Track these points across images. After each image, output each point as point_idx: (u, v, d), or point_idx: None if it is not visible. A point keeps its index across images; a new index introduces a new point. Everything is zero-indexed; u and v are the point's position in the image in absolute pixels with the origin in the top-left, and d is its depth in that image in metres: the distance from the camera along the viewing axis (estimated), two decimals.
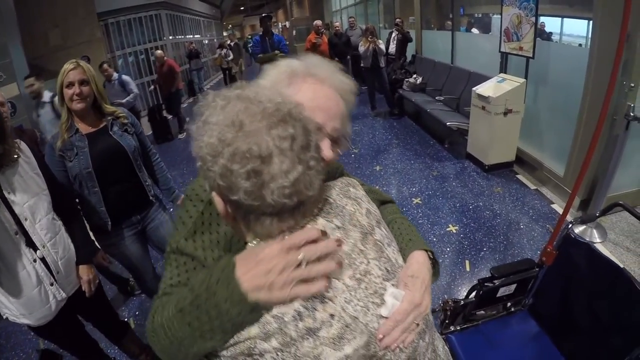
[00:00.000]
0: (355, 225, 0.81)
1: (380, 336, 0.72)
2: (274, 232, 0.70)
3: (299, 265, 0.65)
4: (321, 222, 0.76)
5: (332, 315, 0.68)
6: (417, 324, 0.78)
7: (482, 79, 5.37)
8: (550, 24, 4.69)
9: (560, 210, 4.03)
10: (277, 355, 0.65)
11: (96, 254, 2.16)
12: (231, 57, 12.50)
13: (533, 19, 4.33)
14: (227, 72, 12.93)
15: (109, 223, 2.26)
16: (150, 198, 2.42)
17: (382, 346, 0.72)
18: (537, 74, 4.79)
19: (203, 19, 16.82)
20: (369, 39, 7.39)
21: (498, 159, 5.06)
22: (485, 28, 7.64)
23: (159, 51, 8.44)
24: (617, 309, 1.60)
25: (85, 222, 2.18)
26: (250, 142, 0.60)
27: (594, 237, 3.43)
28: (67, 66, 2.05)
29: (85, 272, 1.99)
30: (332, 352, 0.67)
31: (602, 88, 3.51)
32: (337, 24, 9.11)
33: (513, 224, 3.93)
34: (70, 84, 2.04)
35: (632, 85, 3.07)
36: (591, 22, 3.71)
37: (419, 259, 0.90)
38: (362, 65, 7.83)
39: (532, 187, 4.70)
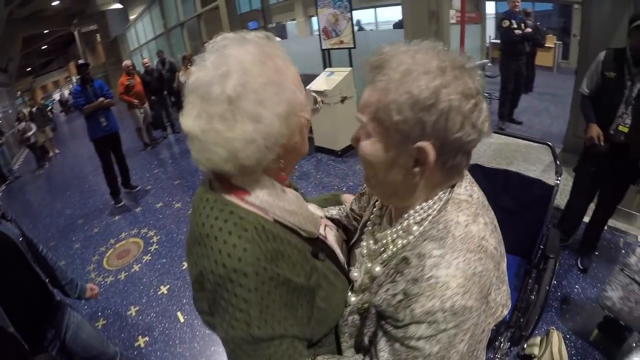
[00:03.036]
0: None
1: None
2: (463, 167, 0.77)
3: None
4: None
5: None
6: None
7: (310, 78, 5.79)
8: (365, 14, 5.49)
9: None
10: None
11: None
12: (33, 130, 10.79)
13: (349, 14, 4.99)
14: (35, 146, 11.03)
15: (26, 348, 1.56)
16: (58, 299, 1.87)
17: None
18: (361, 60, 5.43)
19: None
20: (188, 67, 7.24)
21: (347, 142, 5.60)
22: (282, 35, 8.40)
23: None
24: (516, 197, 2.12)
25: None
26: (461, 84, 0.68)
27: None
28: None
29: None
30: None
31: None
32: (145, 60, 8.58)
33: None
34: None
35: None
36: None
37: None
38: None
39: None
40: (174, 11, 11.65)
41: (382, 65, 0.72)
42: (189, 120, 0.73)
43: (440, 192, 0.78)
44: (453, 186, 0.78)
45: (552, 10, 12.28)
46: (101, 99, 5.09)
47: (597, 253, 2.98)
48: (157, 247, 4.27)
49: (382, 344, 0.74)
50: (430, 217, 0.77)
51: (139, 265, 4.00)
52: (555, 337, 2.13)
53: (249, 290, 0.71)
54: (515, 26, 5.46)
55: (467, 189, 0.78)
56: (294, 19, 13.62)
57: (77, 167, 9.47)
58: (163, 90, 8.58)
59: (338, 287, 0.89)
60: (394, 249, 0.81)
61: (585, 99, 2.68)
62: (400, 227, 0.81)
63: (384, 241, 0.84)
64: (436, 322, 0.65)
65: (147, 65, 8.38)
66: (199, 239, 0.76)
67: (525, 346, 2.08)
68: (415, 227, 0.78)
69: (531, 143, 4.50)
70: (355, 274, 0.91)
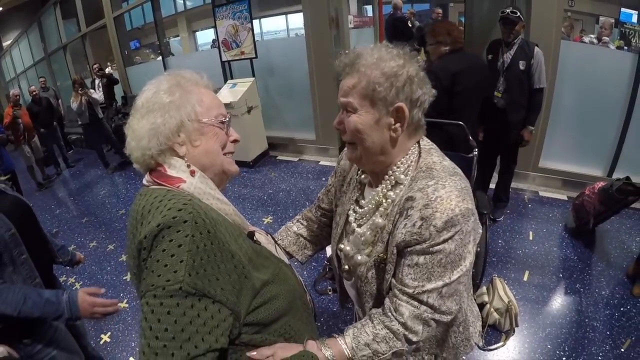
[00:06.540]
0: None
1: None
2: (423, 123, 1.03)
3: None
4: None
5: None
6: None
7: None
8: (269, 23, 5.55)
9: (329, 163, 5.08)
10: None
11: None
12: None
13: (249, 24, 5.06)
14: None
15: None
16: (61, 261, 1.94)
17: None
18: (263, 69, 5.60)
19: None
20: (79, 92, 6.52)
21: (257, 152, 5.68)
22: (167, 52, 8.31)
23: None
24: None
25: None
26: (413, 63, 0.97)
27: None
28: None
29: None
30: None
31: (323, 63, 4.55)
32: (32, 87, 7.57)
33: (306, 190, 4.62)
34: None
35: (347, 52, 4.13)
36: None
37: None
38: (79, 123, 6.93)
39: (296, 159, 5.54)
40: (55, 33, 10.62)
41: (358, 58, 0.97)
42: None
43: (411, 147, 1.03)
44: (418, 142, 1.05)
45: (428, 10, 13.40)
46: None
47: (508, 211, 3.70)
48: None
49: (406, 270, 0.95)
50: (411, 167, 1.02)
51: None
52: (498, 282, 2.52)
53: (185, 235, 0.73)
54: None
55: (429, 142, 1.07)
56: (177, 36, 13.33)
57: None
58: (53, 121, 7.74)
59: (284, 267, 1.04)
60: (390, 200, 1.03)
61: None
62: (388, 182, 1.04)
63: (376, 199, 1.06)
64: (453, 225, 0.88)
65: (34, 93, 7.39)
66: (140, 220, 0.79)
67: (475, 297, 2.37)
68: (402, 177, 1.01)
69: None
70: (347, 247, 1.15)
